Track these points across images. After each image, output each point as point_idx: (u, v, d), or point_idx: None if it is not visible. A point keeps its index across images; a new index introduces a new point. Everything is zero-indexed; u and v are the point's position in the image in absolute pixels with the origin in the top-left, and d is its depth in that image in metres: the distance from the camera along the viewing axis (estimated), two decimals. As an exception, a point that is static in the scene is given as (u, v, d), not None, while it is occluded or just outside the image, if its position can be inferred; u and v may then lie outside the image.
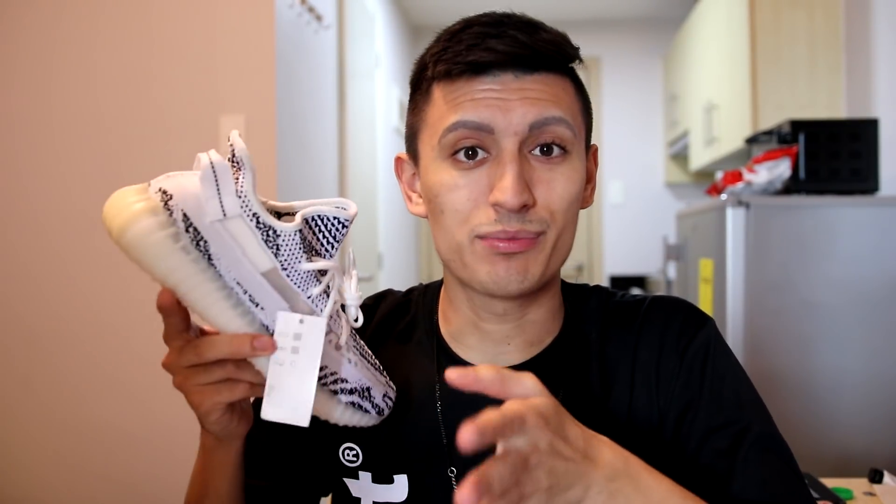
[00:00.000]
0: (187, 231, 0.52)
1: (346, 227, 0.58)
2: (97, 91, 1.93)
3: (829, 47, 2.54)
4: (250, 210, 0.54)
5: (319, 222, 0.57)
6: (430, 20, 4.44)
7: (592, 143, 0.75)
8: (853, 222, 1.89)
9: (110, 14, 1.93)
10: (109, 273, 1.88)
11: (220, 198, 0.52)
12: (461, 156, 0.66)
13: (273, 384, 0.55)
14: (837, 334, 1.88)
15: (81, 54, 1.94)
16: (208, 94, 1.88)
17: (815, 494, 1.06)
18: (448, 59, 0.66)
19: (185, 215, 0.52)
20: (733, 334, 1.90)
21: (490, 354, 0.74)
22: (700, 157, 3.53)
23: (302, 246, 0.56)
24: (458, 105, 0.66)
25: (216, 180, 0.52)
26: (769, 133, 2.11)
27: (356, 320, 0.61)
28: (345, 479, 0.76)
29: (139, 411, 1.88)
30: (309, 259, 0.56)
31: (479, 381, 0.49)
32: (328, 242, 0.57)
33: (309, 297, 0.57)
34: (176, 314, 0.56)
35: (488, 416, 0.45)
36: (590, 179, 0.74)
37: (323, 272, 0.57)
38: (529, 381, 0.50)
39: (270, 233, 0.54)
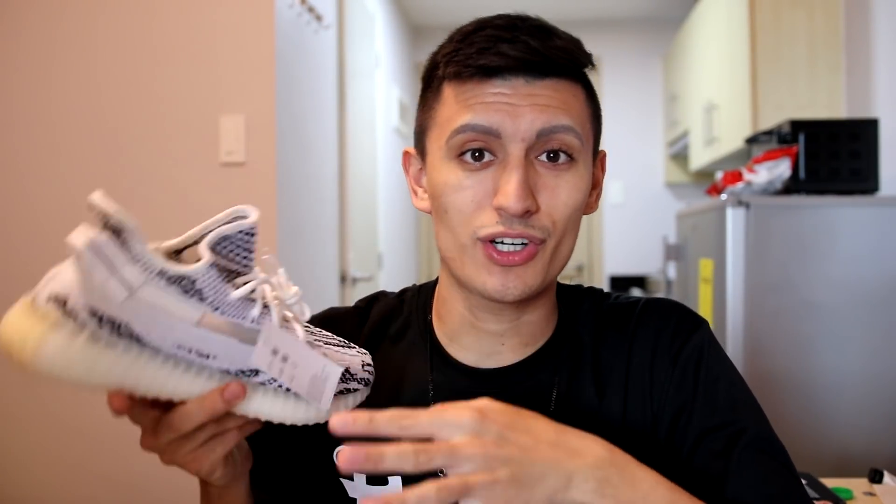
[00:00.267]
0: (101, 326, 0.47)
1: (253, 234, 0.54)
2: (97, 91, 1.93)
3: (829, 47, 2.54)
4: (154, 271, 0.49)
5: (227, 244, 0.53)
6: (430, 20, 4.44)
7: (601, 148, 0.75)
8: (853, 222, 1.89)
9: (110, 14, 1.93)
10: (109, 273, 1.88)
11: (117, 275, 0.47)
12: (468, 157, 0.66)
13: (306, 391, 0.55)
14: (837, 334, 1.88)
15: (81, 54, 1.94)
16: (208, 94, 1.88)
17: (814, 494, 1.06)
18: (459, 60, 0.66)
19: (91, 311, 0.47)
20: (733, 334, 1.90)
21: (484, 354, 0.74)
22: (700, 157, 3.53)
23: (221, 277, 0.52)
24: (468, 107, 0.66)
25: (103, 259, 0.47)
26: (769, 133, 2.11)
27: (303, 315, 0.59)
28: (341, 480, 0.76)
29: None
30: (234, 285, 0.53)
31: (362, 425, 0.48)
32: (243, 258, 0.54)
33: (251, 321, 0.54)
34: (136, 407, 0.53)
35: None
36: (595, 185, 0.74)
37: (252, 290, 0.54)
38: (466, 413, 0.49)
39: (186, 282, 0.50)
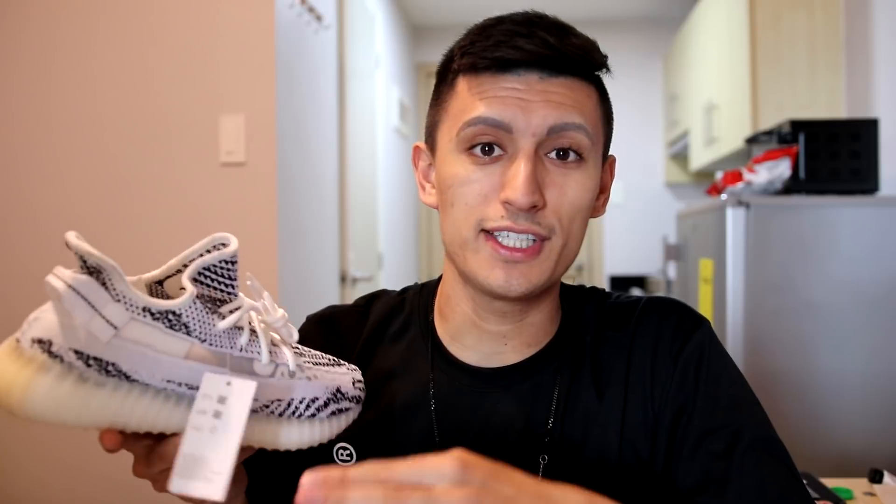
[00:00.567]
0: (89, 366, 0.47)
1: (234, 262, 0.53)
2: (97, 91, 1.93)
3: (829, 47, 2.54)
4: (138, 307, 0.48)
5: (208, 274, 0.52)
6: (430, 20, 4.44)
7: (610, 154, 0.75)
8: (853, 222, 1.89)
9: (110, 14, 1.93)
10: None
11: (100, 315, 0.47)
12: (477, 151, 0.66)
13: (186, 452, 0.49)
14: (837, 334, 1.88)
15: (81, 54, 1.94)
16: (208, 94, 1.88)
17: (814, 494, 1.06)
18: (475, 52, 0.66)
19: (76, 353, 0.46)
20: (733, 334, 1.90)
21: (486, 354, 0.74)
22: (700, 157, 3.53)
23: (206, 309, 0.52)
24: (481, 100, 0.66)
25: (85, 299, 0.46)
26: (769, 133, 2.11)
27: (291, 337, 0.59)
28: None
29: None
30: (220, 315, 0.53)
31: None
32: (226, 286, 0.53)
33: (239, 349, 0.53)
34: (129, 442, 0.52)
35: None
36: (603, 190, 0.74)
37: (238, 319, 0.54)
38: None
39: (171, 317, 0.50)
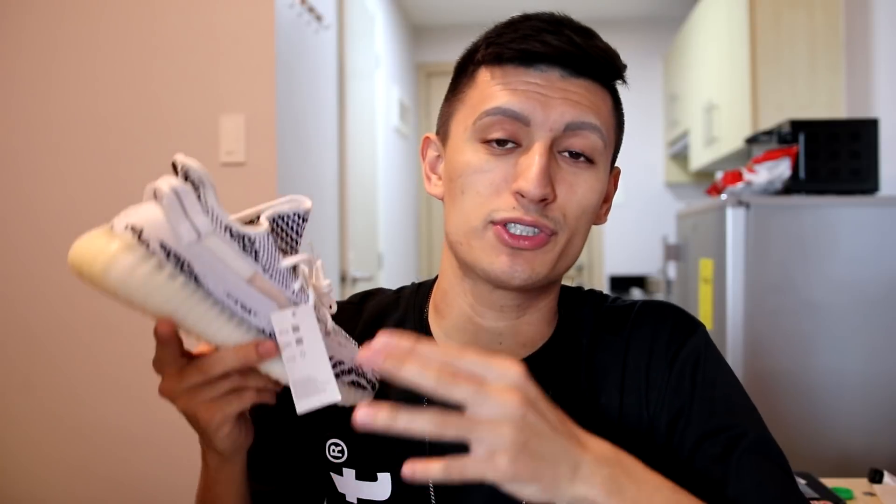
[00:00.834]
0: (168, 259, 0.52)
1: (306, 220, 0.59)
2: (97, 91, 1.93)
3: (829, 47, 2.54)
4: (222, 224, 0.54)
5: (281, 222, 0.58)
6: (430, 20, 4.44)
7: (616, 166, 0.76)
8: (853, 222, 1.89)
9: (110, 14, 1.93)
10: (109, 273, 1.87)
11: (190, 220, 0.52)
12: (493, 143, 0.67)
13: (296, 379, 0.57)
14: (837, 334, 1.88)
15: (81, 54, 1.94)
16: (208, 94, 1.88)
17: (815, 494, 1.06)
18: (502, 43, 0.68)
19: (161, 244, 0.52)
20: (733, 334, 1.90)
21: None
22: (700, 157, 3.53)
23: (276, 246, 0.57)
24: (502, 91, 0.67)
25: (181, 204, 0.52)
26: (769, 133, 2.11)
27: (330, 307, 0.63)
28: (331, 474, 0.76)
29: (139, 411, 1.88)
30: (284, 257, 0.58)
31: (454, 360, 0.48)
32: (292, 239, 0.59)
33: (292, 292, 0.59)
34: (174, 341, 0.56)
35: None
36: (607, 199, 0.75)
37: (296, 266, 0.59)
38: (510, 368, 0.49)
39: (246, 241, 0.55)
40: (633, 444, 0.69)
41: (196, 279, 0.53)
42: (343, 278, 2.68)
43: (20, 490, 1.96)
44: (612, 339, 0.74)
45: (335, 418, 0.72)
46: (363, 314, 0.81)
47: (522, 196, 0.65)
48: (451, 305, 0.75)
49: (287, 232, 0.58)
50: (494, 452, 0.46)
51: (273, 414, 0.69)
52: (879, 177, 2.00)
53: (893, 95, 2.28)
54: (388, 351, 0.46)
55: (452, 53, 0.81)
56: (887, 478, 1.15)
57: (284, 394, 0.59)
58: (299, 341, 0.58)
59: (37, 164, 1.95)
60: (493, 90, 0.68)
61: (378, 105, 3.34)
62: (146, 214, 0.52)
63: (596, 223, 0.73)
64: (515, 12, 0.71)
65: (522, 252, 0.66)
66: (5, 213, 1.96)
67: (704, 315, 2.07)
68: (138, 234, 0.51)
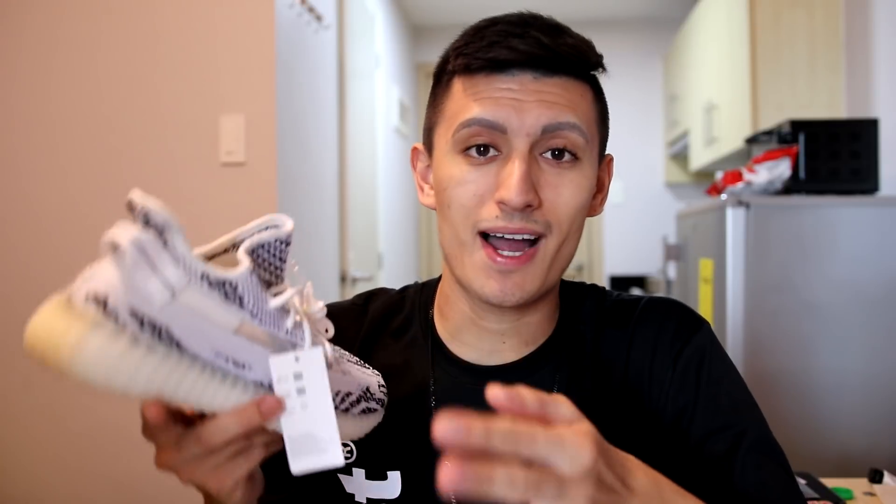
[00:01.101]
0: (143, 328, 0.45)
1: (289, 243, 0.52)
2: (97, 91, 1.93)
3: (829, 47, 2.54)
4: (197, 273, 0.47)
5: (262, 251, 0.51)
6: (430, 20, 4.44)
7: (608, 153, 0.75)
8: (853, 222, 1.89)
9: (110, 14, 1.93)
10: (109, 273, 1.88)
11: (160, 275, 0.45)
12: (472, 152, 0.67)
13: (291, 435, 0.51)
14: (837, 334, 1.88)
15: (82, 54, 1.94)
16: (208, 94, 1.88)
17: (815, 494, 1.06)
18: (469, 53, 0.67)
19: (132, 312, 0.44)
20: (733, 334, 1.90)
21: (485, 352, 0.74)
22: (700, 157, 3.53)
23: (261, 283, 0.50)
24: (475, 101, 0.66)
25: (147, 258, 0.44)
26: (769, 133, 2.11)
27: (326, 331, 0.58)
28: (339, 475, 0.76)
29: (139, 411, 1.88)
30: (272, 294, 0.51)
31: (521, 403, 0.43)
32: (276, 267, 0.52)
33: (286, 332, 0.52)
34: (166, 420, 0.50)
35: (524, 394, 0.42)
36: (601, 189, 0.75)
37: (288, 300, 0.53)
38: (565, 406, 0.45)
39: (227, 287, 0.48)
40: (637, 440, 0.70)
41: (178, 345, 0.46)
42: (343, 278, 2.68)
43: (20, 490, 1.96)
44: (617, 333, 0.75)
45: None
46: (367, 314, 0.81)
47: (506, 205, 0.64)
48: (453, 308, 0.75)
49: (269, 262, 0.51)
50: None
51: None
52: (879, 177, 2.00)
53: (893, 95, 2.28)
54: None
55: (453, 53, 0.80)
56: (887, 478, 1.15)
57: None
58: (300, 391, 0.51)
59: (37, 163, 1.95)
60: (467, 101, 0.67)
61: (378, 105, 3.34)
62: (107, 277, 0.44)
63: (591, 215, 0.73)
64: (514, 12, 0.70)
65: (511, 274, 0.66)
66: (5, 213, 1.96)
67: (704, 315, 2.07)
68: (103, 304, 0.44)
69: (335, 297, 2.49)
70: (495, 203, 0.65)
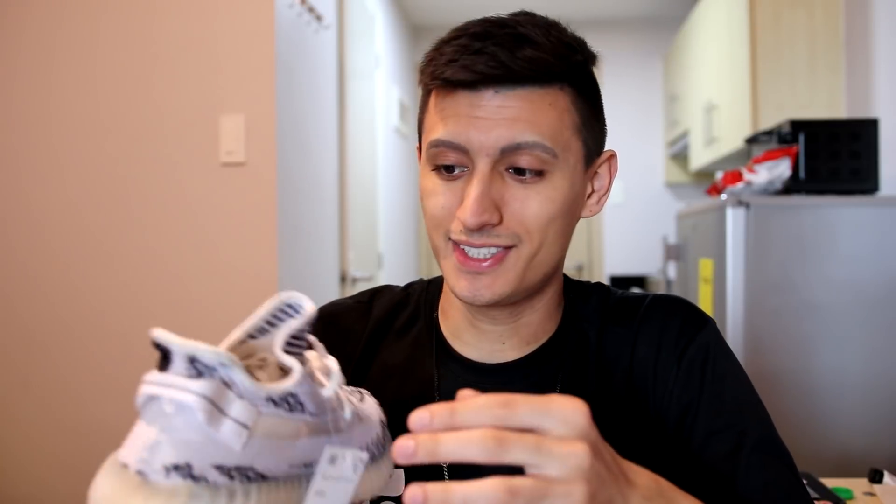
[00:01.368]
0: (233, 480, 0.40)
1: (313, 323, 0.49)
2: (97, 91, 1.93)
3: (829, 47, 2.54)
4: (262, 398, 0.43)
5: (295, 340, 0.48)
6: (430, 20, 4.44)
7: (608, 149, 0.74)
8: (853, 222, 1.89)
9: (110, 14, 1.93)
10: (109, 273, 1.88)
11: (230, 419, 0.41)
12: (441, 169, 0.68)
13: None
14: (837, 334, 1.88)
15: (82, 54, 1.94)
16: (208, 94, 1.88)
17: (814, 494, 1.06)
18: (430, 72, 0.66)
19: (218, 468, 0.40)
20: (733, 334, 1.90)
21: (486, 351, 0.75)
22: (700, 157, 3.53)
23: (311, 378, 0.47)
24: (441, 120, 0.66)
25: (216, 406, 0.40)
26: (769, 133, 2.11)
27: (341, 383, 0.55)
28: None
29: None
30: (319, 384, 0.48)
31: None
32: (299, 347, 0.49)
33: (332, 410, 0.50)
34: None
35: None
36: (598, 189, 0.74)
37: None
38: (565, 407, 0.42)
39: (291, 400, 0.45)
40: (640, 437, 0.70)
41: (264, 477, 0.43)
42: (343, 278, 2.68)
43: (20, 490, 1.96)
44: (621, 330, 0.74)
45: None
46: (373, 312, 0.81)
47: (463, 224, 0.65)
48: (453, 307, 0.76)
49: (296, 345, 0.48)
50: None
51: None
52: (879, 177, 2.00)
53: (893, 95, 2.28)
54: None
55: (453, 53, 0.80)
56: (887, 478, 1.15)
57: None
58: (320, 493, 0.47)
59: (37, 164, 1.95)
60: (435, 120, 0.67)
61: (378, 105, 3.34)
62: (178, 441, 0.40)
63: (586, 216, 0.73)
64: (493, 16, 0.67)
65: (480, 276, 0.66)
66: (5, 213, 1.96)
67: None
68: (188, 472, 0.39)
69: (335, 297, 2.48)
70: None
